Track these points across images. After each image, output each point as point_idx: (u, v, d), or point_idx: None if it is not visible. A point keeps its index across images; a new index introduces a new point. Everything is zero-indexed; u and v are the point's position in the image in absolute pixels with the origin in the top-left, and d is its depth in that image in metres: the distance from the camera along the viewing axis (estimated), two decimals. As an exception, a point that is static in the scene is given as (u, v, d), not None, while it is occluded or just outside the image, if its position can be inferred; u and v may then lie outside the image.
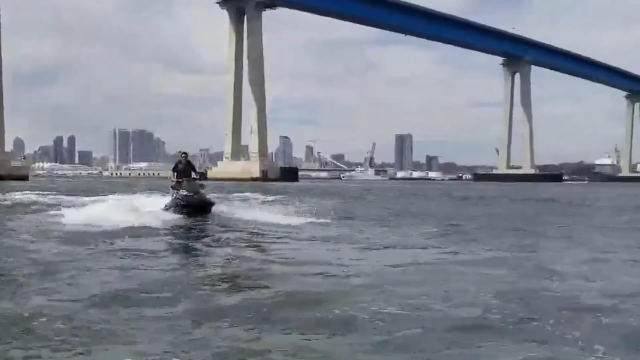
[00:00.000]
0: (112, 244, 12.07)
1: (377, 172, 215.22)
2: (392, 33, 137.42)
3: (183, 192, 18.36)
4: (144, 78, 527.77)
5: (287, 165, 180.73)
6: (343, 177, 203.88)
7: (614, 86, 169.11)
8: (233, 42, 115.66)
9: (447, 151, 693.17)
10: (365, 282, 8.28)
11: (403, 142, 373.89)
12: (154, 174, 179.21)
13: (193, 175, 19.46)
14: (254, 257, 11.00)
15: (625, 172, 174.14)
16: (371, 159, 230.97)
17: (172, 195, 18.99)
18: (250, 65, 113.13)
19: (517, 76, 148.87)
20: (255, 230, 15.33)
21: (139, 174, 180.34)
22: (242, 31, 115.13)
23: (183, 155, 19.98)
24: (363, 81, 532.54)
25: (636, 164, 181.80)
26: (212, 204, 18.79)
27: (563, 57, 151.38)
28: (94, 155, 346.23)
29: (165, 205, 18.82)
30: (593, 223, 20.34)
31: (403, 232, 16.02)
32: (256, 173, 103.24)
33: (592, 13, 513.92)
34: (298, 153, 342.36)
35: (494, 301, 7.03)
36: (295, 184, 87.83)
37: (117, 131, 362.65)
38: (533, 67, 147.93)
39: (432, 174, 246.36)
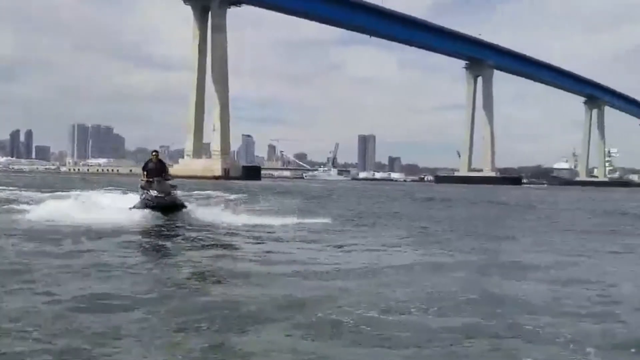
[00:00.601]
0: (79, 243, 11.48)
1: (339, 172, 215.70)
2: (357, 34, 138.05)
3: (153, 193, 17.41)
4: (105, 73, 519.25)
5: (250, 164, 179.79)
6: (306, 176, 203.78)
7: (573, 92, 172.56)
8: (197, 39, 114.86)
9: (409, 153, 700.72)
10: (342, 284, 8.01)
11: (366, 143, 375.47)
12: (113, 170, 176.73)
13: (164, 175, 18.34)
14: (225, 258, 10.63)
15: (582, 177, 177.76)
16: (334, 159, 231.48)
17: (141, 195, 18.02)
18: (214, 63, 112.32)
19: (480, 80, 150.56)
20: (226, 231, 14.90)
21: (98, 170, 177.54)
22: (206, 28, 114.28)
23: (154, 153, 19.05)
24: (327, 81, 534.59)
25: (593, 169, 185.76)
26: (183, 206, 17.98)
27: (525, 62, 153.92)
28: (51, 150, 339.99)
29: (134, 206, 17.85)
30: (560, 226, 20.36)
31: (372, 233, 15.82)
32: (218, 171, 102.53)
33: (554, 21, 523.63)
34: (260, 152, 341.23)
35: (470, 305, 6.86)
36: (257, 182, 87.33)
37: (75, 126, 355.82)
38: (495, 72, 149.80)
39: (394, 175, 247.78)
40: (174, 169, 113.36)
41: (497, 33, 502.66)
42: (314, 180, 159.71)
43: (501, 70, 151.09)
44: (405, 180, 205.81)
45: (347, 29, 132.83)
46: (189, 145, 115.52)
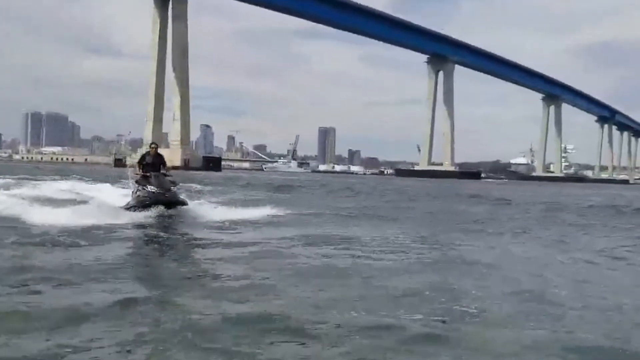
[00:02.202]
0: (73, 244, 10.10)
1: (299, 165, 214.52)
2: (320, 26, 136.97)
3: (151, 189, 15.40)
4: (61, 60, 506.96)
5: (209, 155, 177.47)
6: (265, 168, 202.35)
7: (532, 89, 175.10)
8: (157, 27, 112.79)
9: (369, 146, 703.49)
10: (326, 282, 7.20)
11: (326, 136, 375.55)
12: (68, 159, 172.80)
13: (162, 170, 16.50)
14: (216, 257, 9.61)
15: (539, 172, 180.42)
16: (294, 151, 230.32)
17: (136, 191, 16.19)
18: (175, 52, 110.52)
19: (441, 74, 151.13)
20: (220, 227, 13.89)
21: (52, 159, 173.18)
22: (166, 17, 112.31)
23: (153, 146, 17.27)
24: (289, 73, 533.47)
25: (549, 164, 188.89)
26: (185, 203, 15.98)
27: (485, 59, 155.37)
28: (3, 138, 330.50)
29: (127, 204, 15.92)
30: (528, 219, 19.77)
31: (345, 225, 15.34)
32: (177, 162, 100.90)
33: (514, 19, 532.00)
34: (219, 142, 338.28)
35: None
36: (218, 173, 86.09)
37: (29, 114, 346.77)
38: (457, 67, 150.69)
39: (354, 168, 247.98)
40: (131, 159, 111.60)
41: (459, 29, 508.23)
42: (274, 172, 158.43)
43: (462, 65, 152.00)
44: (365, 174, 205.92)
45: (311, 20, 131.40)
46: (148, 135, 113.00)
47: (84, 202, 17.09)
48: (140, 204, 15.29)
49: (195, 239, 11.91)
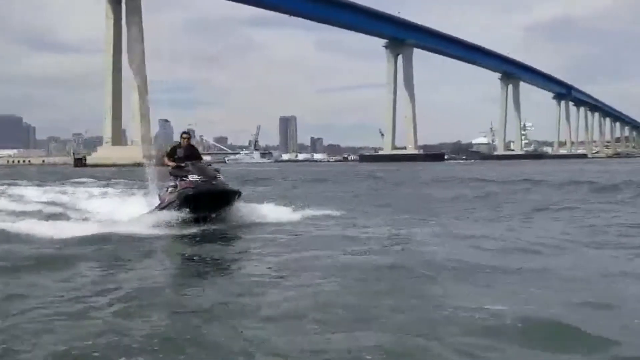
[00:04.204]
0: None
1: (262, 155, 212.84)
2: (277, 14, 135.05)
3: (194, 178, 12.58)
4: (11, 58, 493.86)
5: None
6: (228, 160, 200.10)
7: (490, 69, 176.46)
8: (111, 22, 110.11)
9: (331, 134, 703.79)
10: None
11: (287, 125, 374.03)
12: (24, 161, 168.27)
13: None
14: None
15: (500, 151, 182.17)
16: (256, 142, 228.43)
17: (167, 189, 13.48)
18: (130, 46, 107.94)
19: (400, 58, 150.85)
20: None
21: (8, 162, 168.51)
22: (120, 10, 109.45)
23: (185, 136, 14.55)
24: (247, 63, 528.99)
25: (510, 143, 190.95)
26: (239, 194, 12.95)
27: (443, 40, 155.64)
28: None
29: (161, 201, 13.28)
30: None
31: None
32: (139, 158, 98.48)
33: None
34: (179, 137, 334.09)
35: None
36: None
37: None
38: (416, 50, 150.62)
39: (317, 156, 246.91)
40: (92, 158, 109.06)
41: (416, 12, 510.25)
42: (237, 164, 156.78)
43: (421, 48, 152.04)
44: (328, 161, 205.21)
45: (265, 8, 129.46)
46: (107, 132, 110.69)
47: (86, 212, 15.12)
48: (182, 200, 12.19)
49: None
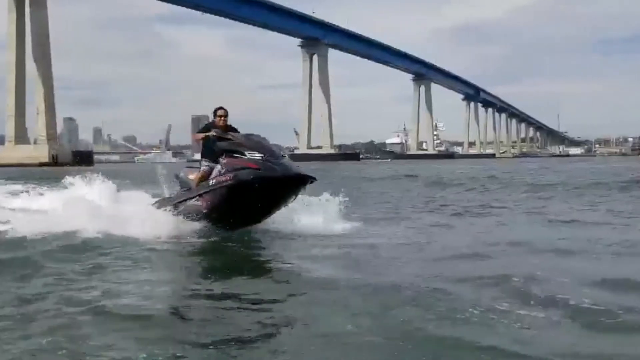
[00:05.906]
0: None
1: (174, 155, 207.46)
2: (189, 10, 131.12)
3: (253, 156, 9.10)
4: None
5: (75, 149, 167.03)
6: (138, 160, 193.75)
7: (402, 70, 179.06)
8: (14, 14, 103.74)
9: (246, 132, 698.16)
10: None
11: (199, 124, 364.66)
12: None
13: None
14: None
15: (413, 151, 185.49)
16: (167, 141, 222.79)
17: (205, 166, 10.31)
18: (34, 42, 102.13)
19: (315, 58, 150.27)
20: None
21: None
22: (23, 4, 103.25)
23: (220, 112, 10.54)
24: (158, 61, 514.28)
25: (422, 143, 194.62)
26: (313, 179, 9.46)
27: (357, 41, 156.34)
28: None
29: (185, 188, 10.56)
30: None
31: None
32: (45, 158, 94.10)
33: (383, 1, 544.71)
34: (85, 135, 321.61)
35: None
36: (91, 168, 79.79)
37: None
38: (331, 51, 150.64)
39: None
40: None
41: (330, 12, 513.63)
42: (147, 164, 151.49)
43: (336, 48, 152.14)
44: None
45: (177, 4, 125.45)
46: (10, 131, 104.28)
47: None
48: (239, 185, 8.97)
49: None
